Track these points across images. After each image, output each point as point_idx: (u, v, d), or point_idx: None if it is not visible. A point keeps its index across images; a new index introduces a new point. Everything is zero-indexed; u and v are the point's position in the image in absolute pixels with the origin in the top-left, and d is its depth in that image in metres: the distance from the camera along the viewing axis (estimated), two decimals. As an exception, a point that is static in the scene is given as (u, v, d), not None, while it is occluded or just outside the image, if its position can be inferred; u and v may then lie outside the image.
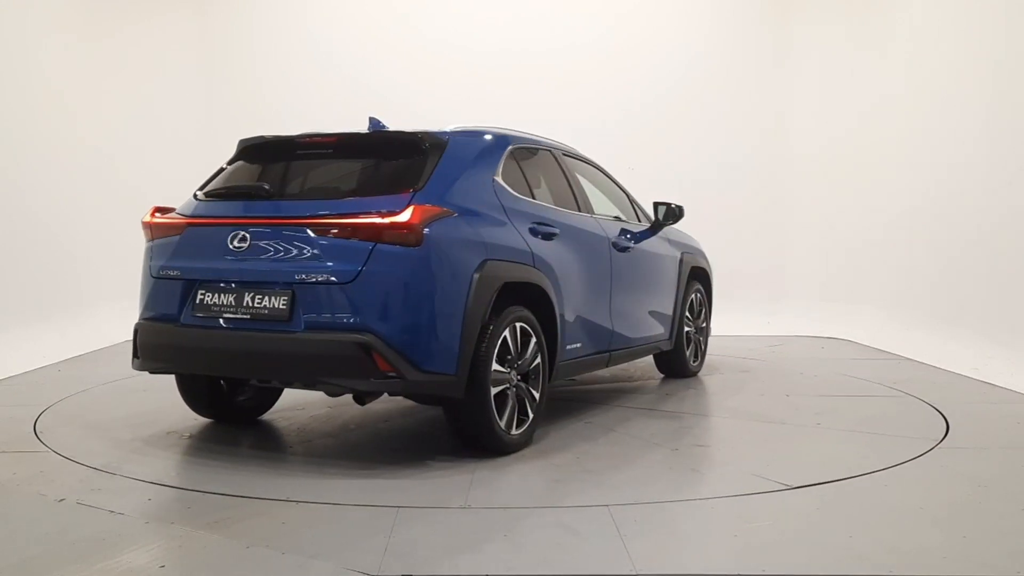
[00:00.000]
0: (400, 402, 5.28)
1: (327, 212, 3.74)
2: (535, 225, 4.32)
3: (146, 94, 9.34)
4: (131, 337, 4.20)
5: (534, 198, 4.52)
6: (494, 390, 3.88)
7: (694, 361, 6.25)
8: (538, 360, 4.18)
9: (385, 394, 4.03)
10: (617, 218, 5.46)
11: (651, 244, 5.62)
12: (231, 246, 3.84)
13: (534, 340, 4.15)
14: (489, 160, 4.26)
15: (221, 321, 3.83)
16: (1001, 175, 6.86)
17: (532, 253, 4.18)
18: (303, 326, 3.66)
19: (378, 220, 3.62)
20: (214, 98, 9.71)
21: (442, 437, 4.42)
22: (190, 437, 4.46)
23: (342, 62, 9.64)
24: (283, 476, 3.74)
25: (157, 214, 4.26)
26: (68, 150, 8.33)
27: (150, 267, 4.15)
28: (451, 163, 3.99)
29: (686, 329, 6.06)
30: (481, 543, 2.92)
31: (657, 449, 4.22)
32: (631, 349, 5.37)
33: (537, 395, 4.18)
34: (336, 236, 3.65)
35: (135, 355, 4.15)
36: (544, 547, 2.89)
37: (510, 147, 4.50)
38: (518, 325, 4.04)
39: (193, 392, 4.56)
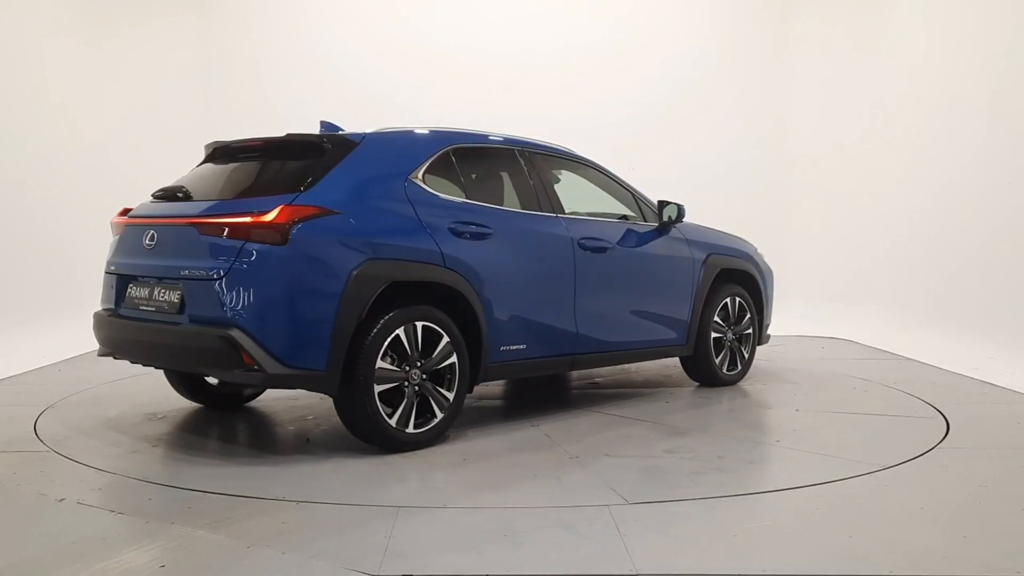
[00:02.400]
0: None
1: (211, 213, 3.99)
2: (458, 225, 4.32)
3: (146, 95, 9.35)
4: None
5: (469, 198, 4.51)
6: (380, 387, 3.94)
7: (730, 369, 5.87)
8: (452, 360, 4.20)
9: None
10: (624, 217, 5.41)
11: (654, 245, 5.41)
12: (144, 244, 4.21)
13: (445, 340, 4.18)
14: (407, 161, 4.34)
15: (139, 313, 4.21)
16: (1002, 175, 6.86)
17: (442, 253, 4.19)
18: (188, 320, 3.95)
19: (247, 220, 3.83)
20: (214, 99, 9.71)
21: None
22: (190, 437, 4.46)
23: (342, 62, 9.64)
24: (283, 476, 3.74)
25: (124, 215, 4.59)
26: (68, 150, 8.34)
27: (106, 262, 4.57)
28: (353, 164, 4.14)
29: (715, 335, 5.73)
30: (481, 543, 2.92)
31: (551, 459, 4.01)
32: (612, 353, 5.23)
33: (450, 395, 4.21)
34: (213, 235, 3.89)
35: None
36: (544, 547, 2.89)
37: (446, 148, 4.55)
38: (418, 324, 4.08)
39: (176, 379, 4.96)
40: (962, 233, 7.38)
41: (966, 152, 7.37)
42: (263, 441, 4.47)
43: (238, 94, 9.73)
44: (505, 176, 5.00)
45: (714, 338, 5.74)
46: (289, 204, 3.83)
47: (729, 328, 5.86)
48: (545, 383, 6.12)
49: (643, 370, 6.51)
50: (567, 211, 5.20)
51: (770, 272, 6.37)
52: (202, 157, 4.74)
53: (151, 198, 4.48)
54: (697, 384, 5.90)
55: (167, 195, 4.35)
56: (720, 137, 9.66)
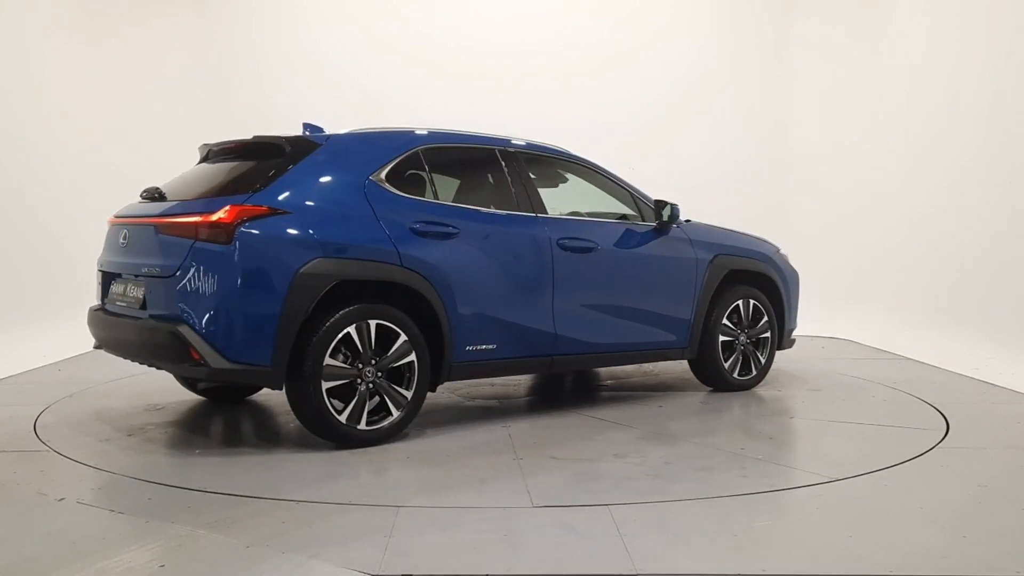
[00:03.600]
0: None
1: (168, 213, 4.18)
2: (420, 224, 4.35)
3: (146, 95, 9.34)
4: None
5: (438, 198, 4.56)
6: (329, 384, 4.02)
7: (741, 374, 5.68)
8: (411, 358, 4.24)
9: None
10: (624, 217, 5.37)
11: (649, 245, 5.30)
12: (120, 243, 4.46)
13: (403, 338, 4.21)
14: (369, 161, 4.39)
15: (117, 309, 4.42)
16: (1002, 175, 6.87)
17: (398, 252, 4.22)
18: (147, 315, 4.15)
19: (196, 220, 3.99)
20: (214, 99, 9.70)
21: (443, 437, 4.43)
22: (190, 436, 4.46)
23: (342, 62, 9.64)
24: (283, 476, 3.75)
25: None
26: (68, 150, 8.33)
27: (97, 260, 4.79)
28: (312, 165, 4.25)
29: (724, 338, 5.57)
30: (481, 543, 2.92)
31: (495, 461, 3.99)
32: (600, 355, 5.17)
33: (408, 393, 4.25)
34: (169, 234, 4.09)
35: None
36: (544, 547, 2.89)
37: (415, 148, 4.59)
38: (372, 322, 4.13)
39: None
40: (962, 233, 7.38)
41: (966, 152, 7.37)
42: (263, 439, 4.47)
43: (238, 94, 9.72)
44: (481, 176, 4.98)
45: (723, 341, 5.58)
46: (235, 204, 3.96)
47: (742, 331, 5.67)
48: (572, 380, 6.11)
49: (664, 372, 6.42)
50: (565, 212, 5.19)
51: (793, 274, 6.15)
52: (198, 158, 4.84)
53: (139, 198, 4.60)
54: (710, 389, 5.74)
55: (147, 195, 4.49)
56: (720, 137, 9.66)
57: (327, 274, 4.02)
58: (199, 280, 3.92)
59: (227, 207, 3.94)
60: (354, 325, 4.09)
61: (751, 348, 5.73)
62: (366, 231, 4.19)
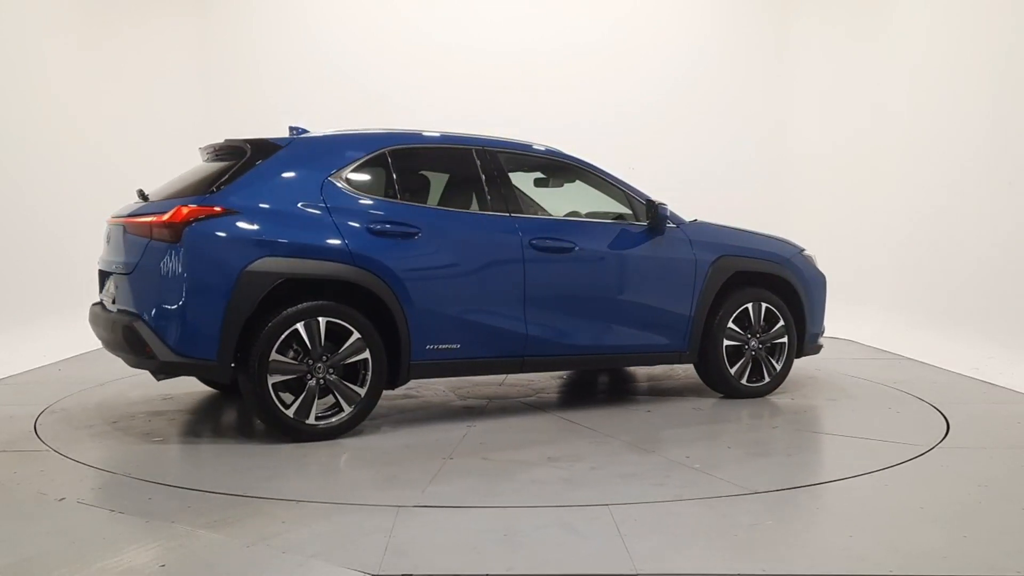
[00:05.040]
0: (400, 403, 5.29)
1: (134, 213, 4.42)
2: (377, 224, 4.41)
3: (146, 95, 9.33)
4: None
5: (402, 198, 4.60)
6: (276, 378, 4.15)
7: (753, 380, 5.41)
8: (365, 355, 4.31)
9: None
10: (620, 217, 5.28)
11: (638, 246, 5.13)
12: (107, 242, 4.71)
13: (355, 336, 4.28)
14: (329, 162, 4.49)
15: (105, 305, 4.66)
16: (1002, 175, 6.86)
17: (351, 251, 4.29)
18: (116, 310, 4.45)
19: (150, 220, 4.23)
20: (214, 99, 9.70)
21: (443, 437, 4.43)
22: (191, 436, 4.46)
23: (342, 62, 9.63)
24: (283, 476, 3.75)
25: None
26: (69, 150, 8.33)
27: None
28: (270, 167, 4.40)
29: (730, 343, 5.31)
30: (481, 543, 2.92)
31: (424, 460, 3.99)
32: (580, 357, 5.07)
33: (362, 391, 4.34)
34: (132, 234, 4.35)
35: None
36: (544, 547, 2.89)
37: (382, 149, 4.65)
38: (322, 320, 4.22)
39: None
40: (962, 233, 7.38)
41: (966, 152, 7.37)
42: (263, 441, 4.46)
43: (238, 94, 9.72)
44: (454, 176, 5.00)
45: (730, 346, 5.33)
46: (184, 205, 4.16)
47: (752, 336, 5.39)
48: (601, 379, 6.09)
49: (690, 376, 5.94)
50: (563, 212, 5.17)
51: (817, 277, 5.81)
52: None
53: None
54: (721, 395, 5.45)
55: (139, 195, 4.69)
56: (720, 137, 9.65)
57: (273, 272, 4.15)
58: (152, 277, 4.17)
59: (176, 207, 4.15)
60: (303, 322, 4.19)
61: (763, 354, 5.44)
62: (318, 230, 4.29)
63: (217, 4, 9.94)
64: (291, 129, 4.79)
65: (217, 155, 4.71)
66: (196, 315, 4.08)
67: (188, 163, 5.03)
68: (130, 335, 4.19)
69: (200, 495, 3.45)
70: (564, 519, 3.15)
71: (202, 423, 4.76)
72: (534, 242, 4.80)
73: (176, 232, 4.10)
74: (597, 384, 6.13)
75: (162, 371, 4.28)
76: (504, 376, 6.01)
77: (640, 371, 6.41)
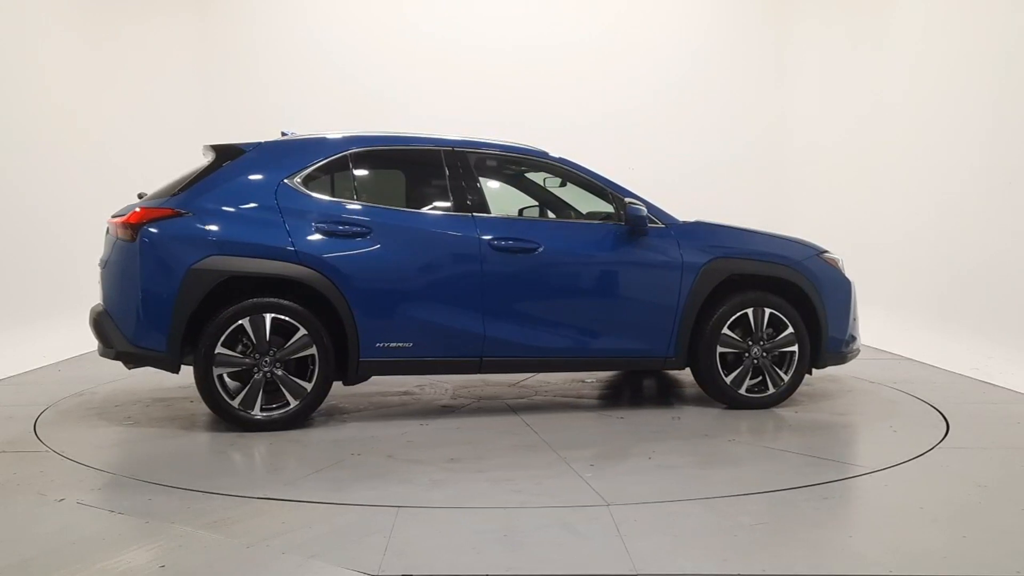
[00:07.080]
0: (399, 403, 5.29)
1: (116, 214, 4.67)
2: (327, 224, 4.57)
3: (146, 95, 9.35)
4: None
5: (360, 199, 4.74)
6: (222, 371, 4.43)
7: (755, 390, 5.08)
8: (311, 351, 4.49)
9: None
10: (608, 217, 5.08)
11: (615, 247, 4.95)
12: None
13: (301, 332, 4.47)
14: (287, 165, 4.69)
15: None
16: (1002, 175, 6.86)
17: (296, 250, 4.48)
18: (97, 303, 4.77)
19: (117, 220, 4.58)
20: (214, 99, 9.71)
21: (444, 437, 4.43)
22: (191, 436, 4.46)
23: (342, 62, 9.65)
24: (284, 476, 3.75)
25: None
26: (69, 150, 8.33)
27: None
28: (228, 171, 4.66)
29: (725, 350, 5.01)
30: (481, 543, 2.92)
31: (337, 455, 4.05)
32: (545, 360, 4.95)
33: (309, 386, 4.51)
34: (110, 233, 4.68)
35: None
36: (544, 547, 2.89)
37: (344, 152, 4.80)
38: (267, 316, 4.43)
39: None
40: (962, 233, 7.38)
41: (966, 152, 7.37)
42: (264, 442, 4.46)
43: (238, 94, 9.73)
44: (417, 177, 5.05)
45: (727, 353, 5.04)
46: (142, 207, 4.52)
47: (754, 343, 5.05)
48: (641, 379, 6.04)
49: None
50: (550, 214, 5.18)
51: (838, 282, 5.39)
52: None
53: None
54: (725, 406, 5.11)
55: (137, 198, 4.87)
56: (720, 137, 9.66)
57: (218, 270, 4.41)
58: (116, 273, 4.58)
59: (136, 209, 4.51)
60: (248, 318, 4.42)
61: (767, 362, 5.08)
62: (266, 230, 4.51)
63: (217, 4, 9.94)
64: (283, 134, 4.96)
65: (205, 157, 4.91)
66: (148, 309, 4.43)
67: (188, 162, 5.03)
68: (96, 326, 4.63)
69: (200, 495, 3.45)
70: (564, 519, 3.15)
71: (202, 424, 4.76)
72: (493, 242, 4.74)
73: (133, 232, 4.45)
74: (643, 387, 5.95)
75: (120, 360, 4.64)
76: (526, 376, 5.99)
77: (669, 377, 6.11)
